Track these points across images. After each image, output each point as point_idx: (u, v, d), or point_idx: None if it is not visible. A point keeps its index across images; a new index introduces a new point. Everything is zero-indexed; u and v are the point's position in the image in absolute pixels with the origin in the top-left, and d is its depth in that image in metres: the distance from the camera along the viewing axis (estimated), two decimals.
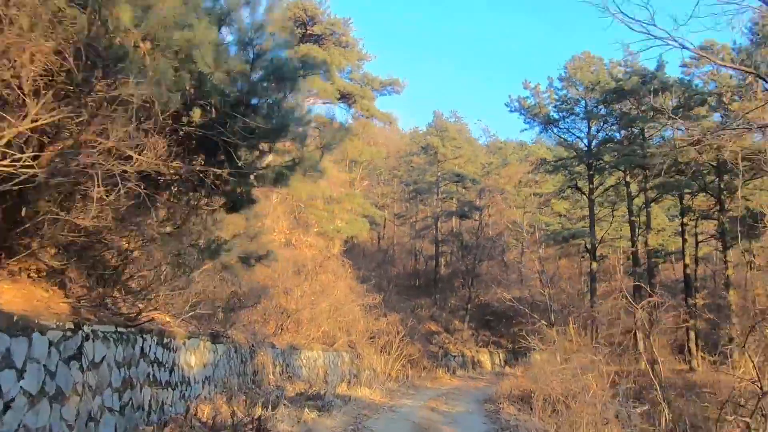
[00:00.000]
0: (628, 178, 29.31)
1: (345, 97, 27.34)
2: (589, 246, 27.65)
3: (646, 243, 26.50)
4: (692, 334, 32.49)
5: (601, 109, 27.66)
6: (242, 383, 13.78)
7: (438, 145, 44.88)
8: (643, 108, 25.01)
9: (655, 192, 25.99)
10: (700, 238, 34.29)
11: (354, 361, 24.17)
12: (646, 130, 25.17)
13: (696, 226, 34.12)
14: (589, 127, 28.51)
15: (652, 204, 30.02)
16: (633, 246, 29.95)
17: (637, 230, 30.38)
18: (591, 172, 28.54)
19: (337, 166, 32.99)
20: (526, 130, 30.14)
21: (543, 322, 24.80)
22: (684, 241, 32.33)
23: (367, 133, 38.32)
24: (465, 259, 43.08)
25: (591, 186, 28.64)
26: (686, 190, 25.05)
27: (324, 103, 29.50)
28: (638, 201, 31.65)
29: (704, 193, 30.01)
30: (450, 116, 48.07)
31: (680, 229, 33.01)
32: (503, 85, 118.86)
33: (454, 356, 34.18)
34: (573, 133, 29.23)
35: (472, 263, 39.50)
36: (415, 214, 47.29)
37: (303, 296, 20.77)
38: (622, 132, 27.54)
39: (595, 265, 28.46)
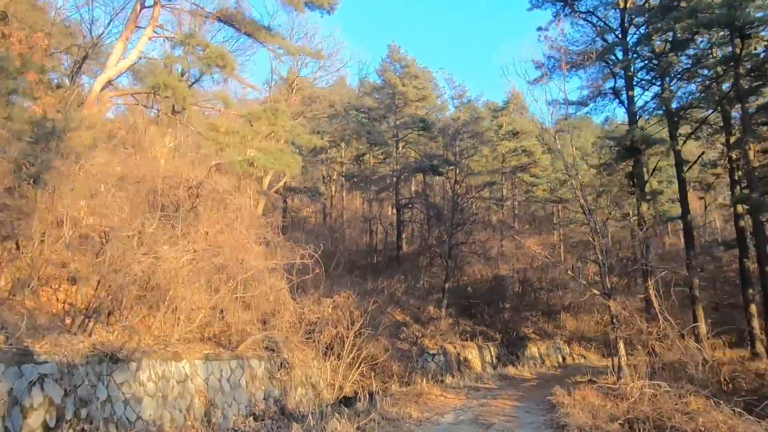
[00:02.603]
0: (670, 90, 19.93)
1: None
2: (635, 181, 18.15)
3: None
4: (753, 308, 23.66)
5: None
6: None
7: (396, 84, 34.70)
8: None
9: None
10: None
11: (276, 374, 13.63)
12: None
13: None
14: (625, 4, 18.92)
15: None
16: (681, 189, 20.75)
17: (684, 166, 21.25)
18: (630, 73, 19.08)
19: (249, 73, 21.92)
20: (535, 8, 19.60)
21: (595, 291, 15.00)
22: (737, 184, 23.75)
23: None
24: (436, 228, 33.11)
25: (629, 93, 19.19)
26: None
27: None
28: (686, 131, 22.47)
29: None
30: (406, 53, 37.91)
31: (728, 170, 24.22)
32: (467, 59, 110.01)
33: (433, 355, 24.08)
34: (599, 17, 19.68)
35: (449, 231, 29.51)
36: (370, 173, 36.88)
37: (165, 253, 10.02)
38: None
39: (645, 207, 18.95)
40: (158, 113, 17.63)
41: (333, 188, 46.30)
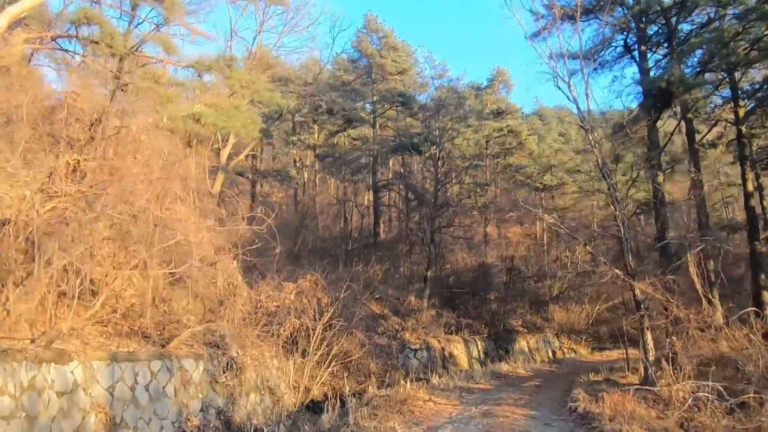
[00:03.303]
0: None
1: None
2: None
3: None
4: (767, 296, 21.47)
5: None
6: None
7: (374, 54, 31.78)
8: None
9: None
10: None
11: (221, 377, 10.61)
12: None
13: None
14: None
15: None
16: (694, 162, 18.63)
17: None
18: (642, 25, 16.47)
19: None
20: None
21: (616, 270, 12.29)
22: (744, 158, 21.51)
23: None
24: (417, 212, 30.35)
25: (641, 49, 16.60)
26: None
27: None
28: None
29: None
30: (384, 23, 34.83)
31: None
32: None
33: (415, 350, 21.32)
34: None
35: (431, 214, 26.73)
36: (345, 154, 33.81)
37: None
38: None
39: (661, 177, 16.38)
40: (84, 59, 14.37)
41: (306, 174, 43.13)
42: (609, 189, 12.24)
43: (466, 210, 34.10)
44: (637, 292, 11.83)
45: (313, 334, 13.84)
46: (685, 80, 12.92)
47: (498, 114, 37.13)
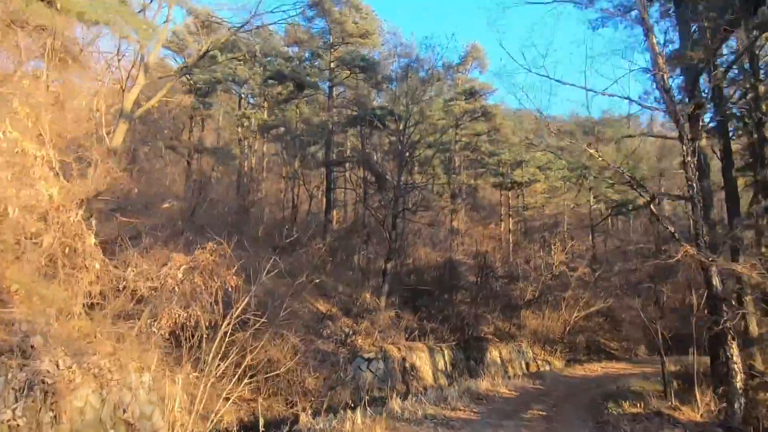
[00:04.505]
0: None
1: None
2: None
3: None
4: None
5: None
6: None
7: (332, 11, 27.05)
8: None
9: None
10: None
11: (2, 412, 5.58)
12: None
13: None
14: None
15: None
16: (724, 138, 14.92)
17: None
18: None
19: None
20: None
21: (688, 248, 7.87)
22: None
23: None
24: (377, 195, 25.74)
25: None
26: None
27: None
28: None
29: None
30: None
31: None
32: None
33: (369, 360, 16.59)
34: None
35: (396, 194, 22.15)
36: (294, 126, 28.78)
37: None
38: None
39: (705, 140, 12.32)
40: None
41: (253, 160, 37.92)
42: (675, 120, 7.98)
43: (431, 200, 29.85)
44: (716, 280, 7.57)
45: (215, 333, 8.98)
46: None
47: (471, 95, 33.02)
